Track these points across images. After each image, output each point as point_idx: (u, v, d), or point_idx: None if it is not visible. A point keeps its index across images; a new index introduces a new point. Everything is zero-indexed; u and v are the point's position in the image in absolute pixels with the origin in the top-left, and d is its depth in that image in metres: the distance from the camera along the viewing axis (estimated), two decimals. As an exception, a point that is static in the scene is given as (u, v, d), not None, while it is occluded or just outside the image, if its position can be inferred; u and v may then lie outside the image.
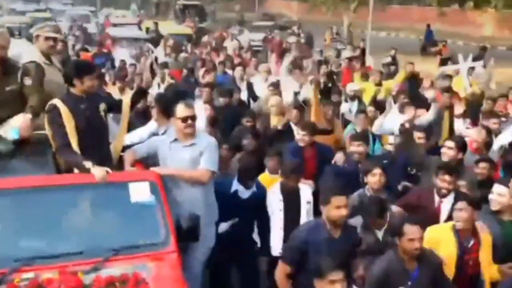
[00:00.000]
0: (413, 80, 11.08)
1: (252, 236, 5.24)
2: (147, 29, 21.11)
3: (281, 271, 4.25)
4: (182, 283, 3.73)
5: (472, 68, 11.46)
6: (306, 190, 5.34)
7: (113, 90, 8.88)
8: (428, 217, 4.73)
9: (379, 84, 10.73)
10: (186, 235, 4.14)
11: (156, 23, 21.20)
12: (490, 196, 4.72)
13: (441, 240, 4.38)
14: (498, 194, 4.66)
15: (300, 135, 6.24)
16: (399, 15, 35.34)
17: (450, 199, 4.88)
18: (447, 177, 4.90)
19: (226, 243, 4.85)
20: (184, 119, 4.56)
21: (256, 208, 5.12)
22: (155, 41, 16.38)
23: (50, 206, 3.94)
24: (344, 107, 9.01)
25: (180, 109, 4.58)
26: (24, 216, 3.90)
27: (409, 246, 3.94)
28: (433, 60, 18.14)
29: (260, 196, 5.17)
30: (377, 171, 5.12)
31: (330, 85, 10.44)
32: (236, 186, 5.10)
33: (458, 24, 30.63)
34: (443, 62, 15.53)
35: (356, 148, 5.96)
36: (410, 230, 3.94)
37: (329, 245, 4.05)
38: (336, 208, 4.04)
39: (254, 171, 5.25)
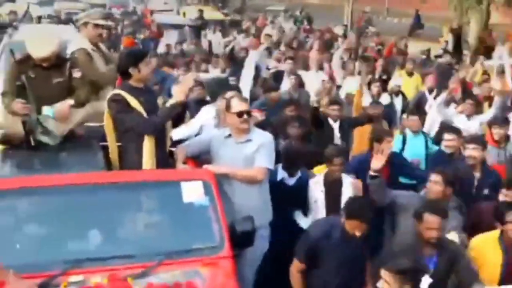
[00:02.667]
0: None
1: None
2: (184, 14, 21.52)
3: (295, 267, 4.24)
4: (236, 289, 3.48)
5: None
6: (349, 182, 5.05)
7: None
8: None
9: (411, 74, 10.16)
10: (241, 239, 3.87)
11: (201, 10, 21.30)
12: None
13: (486, 248, 4.21)
14: None
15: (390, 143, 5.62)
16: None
17: None
18: None
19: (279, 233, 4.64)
20: (240, 114, 4.28)
21: (303, 194, 5.00)
22: (200, 27, 16.82)
23: (99, 206, 3.72)
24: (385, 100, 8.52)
25: (235, 103, 4.30)
26: (72, 216, 3.67)
27: (426, 234, 3.95)
28: (420, 42, 17.61)
29: (306, 182, 5.04)
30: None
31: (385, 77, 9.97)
32: (281, 174, 5.00)
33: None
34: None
35: (471, 151, 5.34)
36: (430, 219, 3.92)
37: (343, 245, 4.03)
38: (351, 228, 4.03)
39: (299, 159, 5.12)
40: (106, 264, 3.42)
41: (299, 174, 5.08)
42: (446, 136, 5.87)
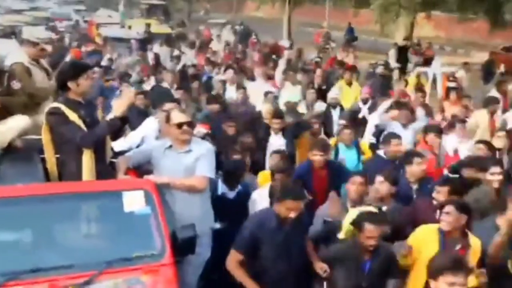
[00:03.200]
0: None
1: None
2: (130, 27, 22.13)
3: (233, 259, 4.29)
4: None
5: None
6: None
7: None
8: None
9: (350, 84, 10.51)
10: (183, 246, 3.95)
11: (149, 24, 21.44)
12: None
13: (426, 239, 4.40)
14: None
15: (315, 156, 5.73)
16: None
17: None
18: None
19: (219, 245, 4.72)
20: (180, 125, 4.39)
21: (244, 207, 5.14)
22: (147, 40, 17.12)
23: (39, 216, 3.74)
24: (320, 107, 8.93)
25: (175, 115, 4.41)
26: (12, 227, 3.68)
27: (366, 242, 4.19)
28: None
29: (246, 195, 5.22)
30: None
31: (324, 87, 10.31)
32: (222, 188, 5.18)
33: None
34: (426, 62, 15.91)
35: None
36: (369, 228, 4.17)
37: (279, 232, 4.19)
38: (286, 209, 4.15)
39: (238, 173, 5.28)
40: (47, 275, 3.43)
41: (239, 187, 5.24)
42: (393, 141, 6.10)
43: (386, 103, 7.63)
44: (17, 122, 4.47)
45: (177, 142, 4.44)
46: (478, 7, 19.67)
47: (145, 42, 16.80)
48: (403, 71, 15.74)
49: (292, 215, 4.13)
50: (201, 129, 5.85)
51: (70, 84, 4.12)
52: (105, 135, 4.25)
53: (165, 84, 9.24)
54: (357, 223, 4.27)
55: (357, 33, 24.61)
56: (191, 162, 4.40)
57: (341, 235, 4.62)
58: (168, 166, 4.42)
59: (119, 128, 4.38)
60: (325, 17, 27.62)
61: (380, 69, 11.97)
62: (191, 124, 4.46)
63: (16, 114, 4.59)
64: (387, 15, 19.99)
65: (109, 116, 4.27)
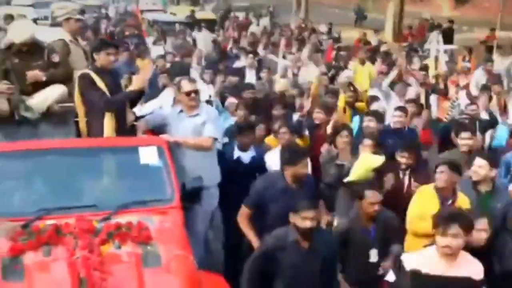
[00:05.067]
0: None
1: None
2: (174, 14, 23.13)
3: (241, 212, 4.79)
4: (182, 233, 4.24)
5: None
6: None
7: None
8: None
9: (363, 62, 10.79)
10: (190, 195, 4.63)
11: (193, 10, 22.55)
12: (472, 168, 5.12)
13: (426, 197, 4.87)
14: (479, 166, 5.03)
15: (316, 113, 6.75)
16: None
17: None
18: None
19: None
20: (188, 93, 5.10)
21: (258, 170, 5.57)
22: (191, 25, 18.23)
23: (69, 165, 4.52)
24: None
25: (185, 84, 5.13)
26: (48, 174, 4.48)
27: (368, 209, 4.48)
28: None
29: (259, 158, 5.71)
30: None
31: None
32: (237, 153, 5.67)
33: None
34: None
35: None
36: (371, 194, 4.48)
37: (285, 194, 4.54)
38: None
39: (247, 137, 5.71)
40: (74, 212, 4.16)
41: (253, 151, 5.72)
42: (396, 113, 6.75)
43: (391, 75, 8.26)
44: (55, 90, 5.26)
45: (187, 108, 5.16)
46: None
47: (189, 27, 17.80)
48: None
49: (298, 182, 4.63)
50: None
51: (95, 56, 4.91)
52: (124, 102, 5.00)
53: (194, 65, 10.03)
54: (358, 192, 4.61)
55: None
56: (199, 125, 5.10)
57: (350, 178, 5.14)
58: (179, 128, 5.13)
59: (136, 98, 5.14)
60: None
61: (384, 47, 12.39)
62: (197, 92, 5.16)
63: (55, 84, 5.38)
64: None
65: (129, 88, 5.04)
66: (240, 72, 9.90)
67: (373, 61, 11.22)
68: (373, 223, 4.59)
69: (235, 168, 5.54)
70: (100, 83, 4.84)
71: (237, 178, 5.41)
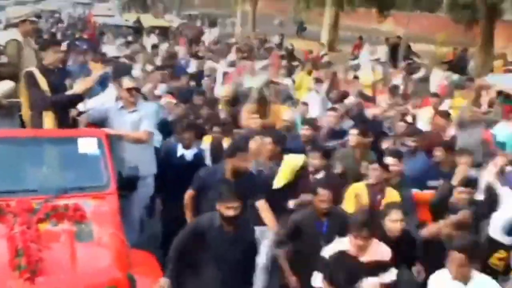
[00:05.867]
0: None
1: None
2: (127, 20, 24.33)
3: (188, 194, 5.28)
4: (116, 215, 4.67)
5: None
6: None
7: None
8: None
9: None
10: (127, 183, 5.07)
11: (139, 16, 23.89)
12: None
13: (358, 192, 5.45)
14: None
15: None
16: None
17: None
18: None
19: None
20: (129, 90, 5.56)
21: (200, 165, 5.94)
22: (138, 30, 19.44)
23: (13, 153, 4.90)
24: None
25: (125, 82, 5.59)
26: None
27: (320, 205, 4.86)
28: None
29: (201, 155, 6.22)
30: None
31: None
32: (180, 150, 6.13)
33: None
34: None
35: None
36: (322, 192, 4.86)
37: (222, 183, 4.86)
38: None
39: (189, 135, 6.16)
40: (15, 196, 4.52)
41: (195, 149, 6.21)
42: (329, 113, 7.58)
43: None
44: (3, 86, 5.64)
45: (127, 103, 5.61)
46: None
47: (136, 31, 19.19)
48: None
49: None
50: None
51: (43, 54, 5.33)
52: (63, 103, 5.35)
53: (138, 65, 10.53)
54: (312, 189, 4.98)
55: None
56: (136, 120, 5.56)
57: (279, 183, 5.51)
58: (119, 122, 5.58)
59: (76, 100, 5.54)
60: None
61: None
62: (137, 90, 5.62)
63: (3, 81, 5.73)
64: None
65: (71, 91, 5.43)
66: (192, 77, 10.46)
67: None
68: (327, 217, 4.89)
69: (180, 164, 6.02)
70: (43, 83, 5.20)
71: (180, 172, 5.79)
